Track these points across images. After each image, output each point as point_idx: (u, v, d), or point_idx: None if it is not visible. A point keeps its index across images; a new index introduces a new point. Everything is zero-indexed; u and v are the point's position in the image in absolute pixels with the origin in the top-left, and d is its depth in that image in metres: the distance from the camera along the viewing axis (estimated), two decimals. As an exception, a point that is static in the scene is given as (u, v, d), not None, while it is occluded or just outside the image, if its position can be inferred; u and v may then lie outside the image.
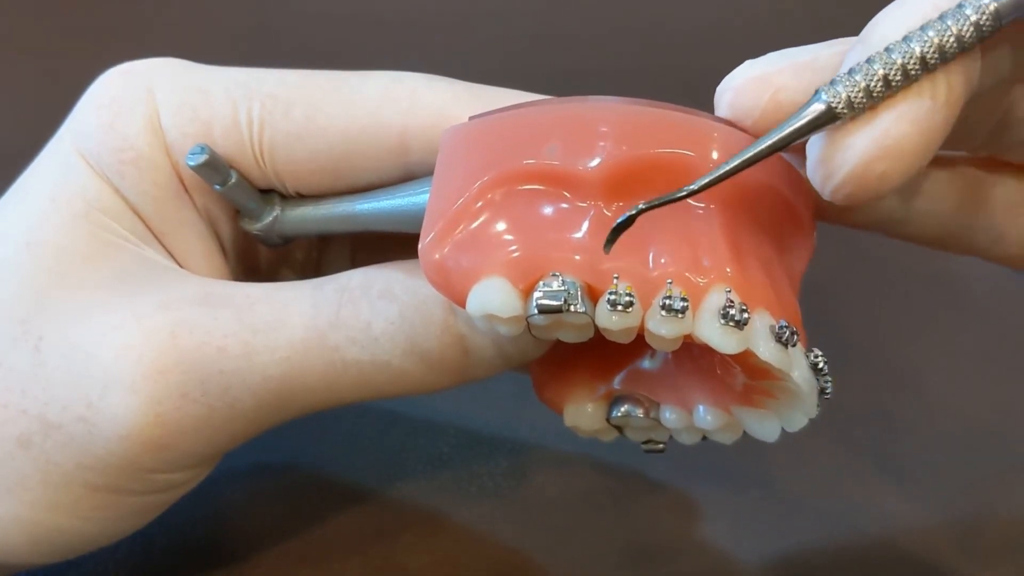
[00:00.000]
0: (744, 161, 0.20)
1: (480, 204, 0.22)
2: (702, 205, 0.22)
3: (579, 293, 0.21)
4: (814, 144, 0.20)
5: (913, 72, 0.19)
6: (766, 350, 0.21)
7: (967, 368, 0.36)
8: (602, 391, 0.25)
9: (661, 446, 0.26)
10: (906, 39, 0.20)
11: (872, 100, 0.20)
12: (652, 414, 0.25)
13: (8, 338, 0.23)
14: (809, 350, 0.23)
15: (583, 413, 0.25)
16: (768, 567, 0.30)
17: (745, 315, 0.21)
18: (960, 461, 0.33)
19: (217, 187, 0.25)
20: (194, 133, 0.25)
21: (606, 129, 0.22)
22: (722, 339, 0.21)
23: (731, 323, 0.21)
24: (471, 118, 0.23)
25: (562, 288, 0.21)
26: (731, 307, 0.21)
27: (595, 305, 0.21)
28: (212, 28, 0.55)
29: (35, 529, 0.24)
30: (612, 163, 0.21)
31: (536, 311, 0.21)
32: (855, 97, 0.19)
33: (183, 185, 0.25)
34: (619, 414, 0.25)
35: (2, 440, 0.23)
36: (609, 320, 0.21)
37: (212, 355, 0.23)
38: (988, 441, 0.33)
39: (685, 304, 0.20)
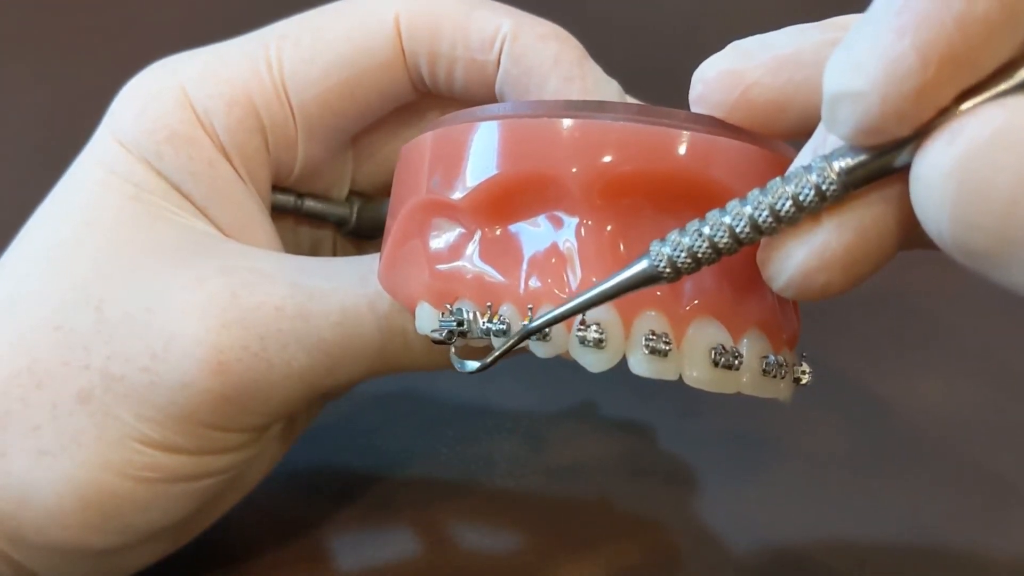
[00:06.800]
0: (569, 309, 0.20)
1: (404, 232, 0.23)
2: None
3: (476, 320, 0.21)
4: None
5: (745, 238, 0.19)
6: (699, 376, 0.21)
7: (965, 365, 0.36)
8: None
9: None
10: (743, 201, 0.19)
11: (698, 264, 0.19)
12: None
13: (70, 304, 0.24)
14: (799, 361, 0.22)
15: None
16: (760, 546, 0.30)
17: (666, 346, 0.20)
18: (952, 453, 0.33)
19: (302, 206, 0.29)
20: (219, 92, 0.26)
21: (468, 155, 0.22)
22: (649, 369, 0.20)
23: (655, 354, 0.20)
24: (425, 130, 0.24)
25: (448, 320, 0.21)
26: (652, 339, 0.20)
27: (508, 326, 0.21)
28: (213, 28, 0.55)
29: (86, 491, 0.24)
30: (475, 192, 0.21)
31: (432, 341, 0.22)
32: (680, 260, 0.19)
33: (223, 153, 0.26)
34: None
35: (61, 397, 0.24)
36: (537, 348, 0.21)
37: (271, 314, 0.24)
38: (983, 437, 0.33)
39: (601, 336, 0.20)
